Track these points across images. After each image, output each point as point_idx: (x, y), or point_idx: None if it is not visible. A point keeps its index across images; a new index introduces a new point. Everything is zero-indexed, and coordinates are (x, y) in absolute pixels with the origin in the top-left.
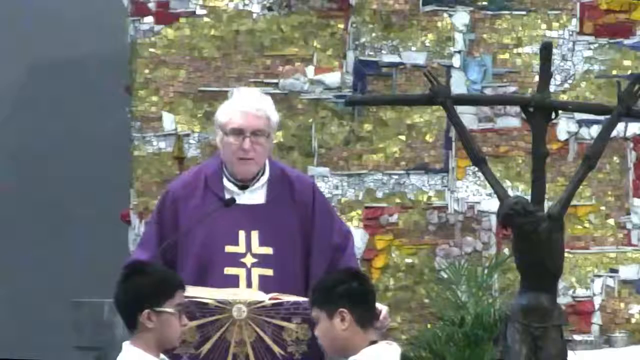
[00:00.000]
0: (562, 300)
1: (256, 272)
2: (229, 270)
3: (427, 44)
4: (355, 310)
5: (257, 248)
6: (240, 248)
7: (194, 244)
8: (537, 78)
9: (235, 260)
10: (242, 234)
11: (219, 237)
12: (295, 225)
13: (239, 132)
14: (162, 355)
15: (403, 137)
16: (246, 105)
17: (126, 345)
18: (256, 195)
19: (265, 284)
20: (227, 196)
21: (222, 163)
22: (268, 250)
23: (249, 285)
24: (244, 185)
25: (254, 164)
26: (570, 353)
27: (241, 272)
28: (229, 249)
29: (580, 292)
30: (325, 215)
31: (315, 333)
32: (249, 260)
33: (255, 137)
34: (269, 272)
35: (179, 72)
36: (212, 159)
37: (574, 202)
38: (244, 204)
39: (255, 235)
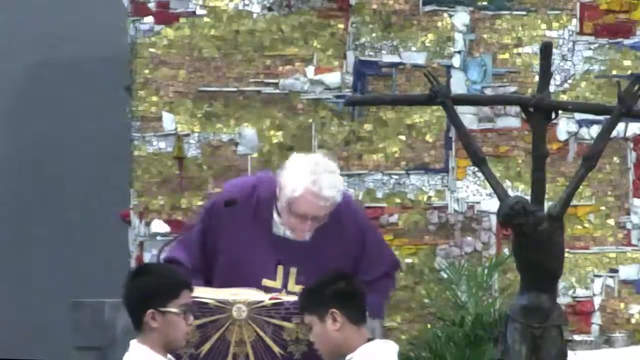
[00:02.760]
0: (562, 300)
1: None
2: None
3: (427, 44)
4: (346, 309)
5: (293, 286)
6: (277, 283)
7: (232, 268)
8: (537, 78)
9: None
10: (280, 270)
11: (258, 268)
12: (340, 261)
13: (302, 216)
14: (169, 356)
15: (403, 137)
16: (316, 191)
17: (133, 343)
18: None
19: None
20: (275, 229)
21: (276, 197)
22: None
23: None
24: None
25: (308, 235)
26: (570, 353)
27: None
28: (265, 282)
29: (580, 292)
30: (375, 247)
31: (311, 339)
32: (282, 296)
33: (316, 220)
34: None
35: (179, 72)
36: (268, 178)
37: (574, 202)
38: (288, 237)
39: (293, 272)
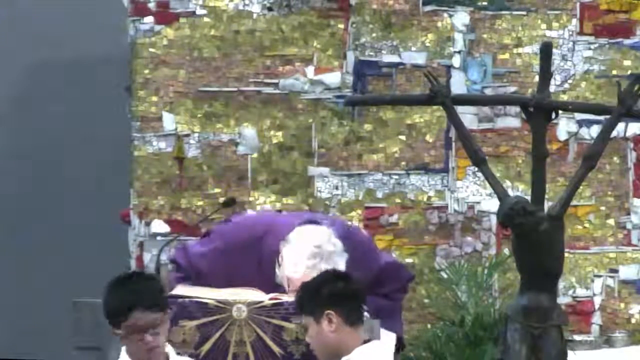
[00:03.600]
0: (562, 300)
1: None
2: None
3: (427, 44)
4: (342, 310)
5: None
6: (286, 287)
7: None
8: (537, 78)
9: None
10: (347, 224)
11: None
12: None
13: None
14: (169, 347)
15: (403, 137)
16: (309, 265)
17: (123, 349)
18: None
19: None
20: (277, 280)
21: (279, 251)
22: None
23: None
24: None
25: None
26: (570, 353)
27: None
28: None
29: (580, 292)
30: (369, 259)
31: (307, 339)
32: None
33: None
34: None
35: (179, 72)
36: (277, 227)
37: (574, 202)
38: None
39: None
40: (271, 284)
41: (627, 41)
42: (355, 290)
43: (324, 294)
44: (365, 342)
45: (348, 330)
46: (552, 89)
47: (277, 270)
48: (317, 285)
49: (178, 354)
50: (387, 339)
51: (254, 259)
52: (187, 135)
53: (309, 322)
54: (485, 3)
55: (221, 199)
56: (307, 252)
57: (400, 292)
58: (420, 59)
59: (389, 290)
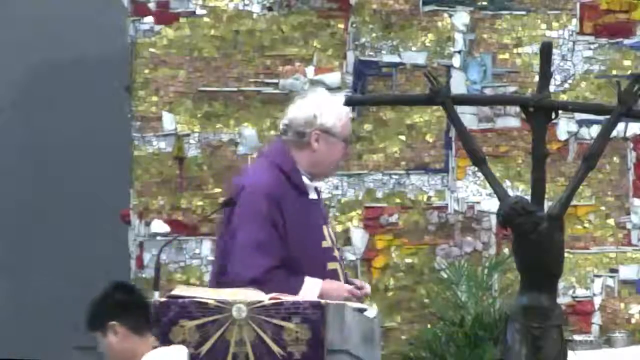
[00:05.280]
0: (562, 300)
1: (342, 265)
2: (330, 265)
3: (427, 44)
4: (126, 321)
5: (335, 242)
6: (328, 242)
7: (296, 242)
8: (537, 78)
9: (331, 255)
10: (325, 229)
11: (314, 233)
12: None
13: (348, 140)
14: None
15: (403, 137)
16: (348, 112)
17: None
18: (313, 192)
19: (345, 277)
20: (310, 195)
21: (294, 160)
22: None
23: (345, 278)
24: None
25: None
26: (570, 353)
27: (337, 266)
28: (324, 244)
29: (580, 292)
30: None
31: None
32: (337, 253)
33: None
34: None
35: (179, 72)
36: (275, 152)
37: (574, 202)
38: (313, 199)
39: (329, 229)
40: (309, 204)
41: (627, 41)
42: (139, 300)
43: (106, 306)
44: (155, 348)
45: (136, 339)
46: (552, 89)
47: (305, 181)
48: (100, 300)
49: None
50: (179, 350)
51: (295, 192)
52: (187, 135)
53: (98, 338)
54: (485, 3)
55: (221, 199)
56: (326, 96)
57: None
58: (420, 59)
59: None
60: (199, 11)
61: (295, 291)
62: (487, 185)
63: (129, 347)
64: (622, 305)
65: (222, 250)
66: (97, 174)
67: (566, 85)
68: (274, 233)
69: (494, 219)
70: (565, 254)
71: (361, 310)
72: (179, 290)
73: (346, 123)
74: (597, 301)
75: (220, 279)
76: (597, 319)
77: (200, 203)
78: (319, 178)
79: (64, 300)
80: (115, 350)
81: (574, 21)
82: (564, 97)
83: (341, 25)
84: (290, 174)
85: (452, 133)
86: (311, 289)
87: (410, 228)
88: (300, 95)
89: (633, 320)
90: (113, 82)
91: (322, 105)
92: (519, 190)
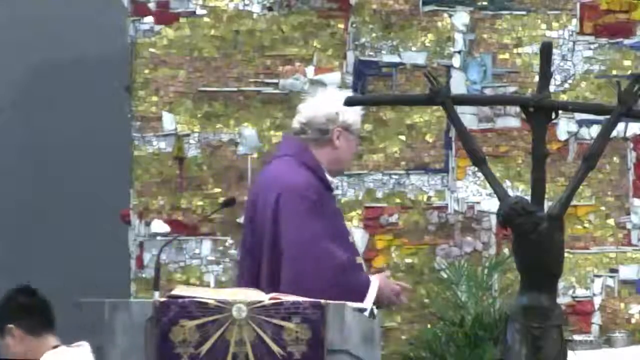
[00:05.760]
0: (562, 300)
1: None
2: (358, 259)
3: (427, 44)
4: (23, 323)
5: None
6: (352, 237)
7: (337, 237)
8: (537, 78)
9: (356, 249)
10: (348, 224)
11: (345, 228)
12: None
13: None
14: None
15: (403, 137)
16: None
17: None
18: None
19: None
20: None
21: (316, 160)
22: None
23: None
24: None
25: None
26: (570, 353)
27: (362, 260)
28: (350, 239)
29: (580, 292)
30: None
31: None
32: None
33: None
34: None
35: (179, 72)
36: (300, 151)
37: (574, 202)
38: (336, 194)
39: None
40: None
41: (627, 41)
42: (39, 302)
43: (7, 310)
44: (55, 347)
45: (32, 340)
46: (552, 89)
47: (329, 178)
48: (1, 304)
49: (177, 353)
50: (80, 347)
51: (328, 192)
52: (187, 135)
53: None
54: (485, 3)
55: (221, 199)
56: (336, 92)
57: None
58: (420, 59)
59: None
60: (199, 11)
61: (367, 279)
62: (487, 185)
63: (27, 349)
64: (622, 305)
65: (270, 263)
66: (97, 174)
67: (566, 85)
68: (332, 225)
69: (494, 219)
70: (565, 254)
71: (361, 310)
72: (179, 290)
73: (358, 118)
74: (597, 301)
75: (282, 289)
76: (597, 319)
77: (200, 203)
78: (335, 174)
79: (64, 300)
80: (14, 353)
81: (574, 21)
82: (564, 97)
83: (341, 25)
84: (317, 171)
85: (452, 133)
86: (373, 280)
87: (410, 228)
88: (309, 94)
89: (633, 320)
90: (113, 82)
91: (341, 102)
92: (519, 190)
